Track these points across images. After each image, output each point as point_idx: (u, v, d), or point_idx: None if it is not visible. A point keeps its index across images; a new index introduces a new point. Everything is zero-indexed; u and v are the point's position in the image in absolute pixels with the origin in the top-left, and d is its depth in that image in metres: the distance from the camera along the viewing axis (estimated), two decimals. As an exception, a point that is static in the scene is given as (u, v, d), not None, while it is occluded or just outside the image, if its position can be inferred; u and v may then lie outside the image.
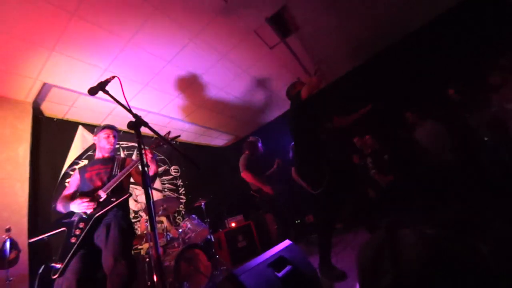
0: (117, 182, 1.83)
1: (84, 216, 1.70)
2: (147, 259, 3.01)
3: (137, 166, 1.95)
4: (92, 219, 1.69)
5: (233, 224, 4.34)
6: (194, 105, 4.32)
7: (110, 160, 2.04)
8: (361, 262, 0.60)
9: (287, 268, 1.19)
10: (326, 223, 2.10)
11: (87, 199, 1.69)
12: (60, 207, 1.80)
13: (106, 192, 1.78)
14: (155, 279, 2.85)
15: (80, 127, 3.89)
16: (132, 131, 1.49)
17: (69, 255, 1.53)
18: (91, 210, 1.70)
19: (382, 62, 4.16)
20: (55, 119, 3.69)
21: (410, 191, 3.23)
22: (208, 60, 3.43)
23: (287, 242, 1.40)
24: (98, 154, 2.08)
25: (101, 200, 1.75)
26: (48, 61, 2.77)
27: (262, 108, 5.09)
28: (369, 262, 0.57)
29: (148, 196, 0.96)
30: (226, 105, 4.61)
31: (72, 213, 1.75)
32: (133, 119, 1.14)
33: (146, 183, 1.03)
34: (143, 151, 1.75)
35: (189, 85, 3.81)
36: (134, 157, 4.32)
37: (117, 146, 4.27)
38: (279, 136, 4.80)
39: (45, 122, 3.57)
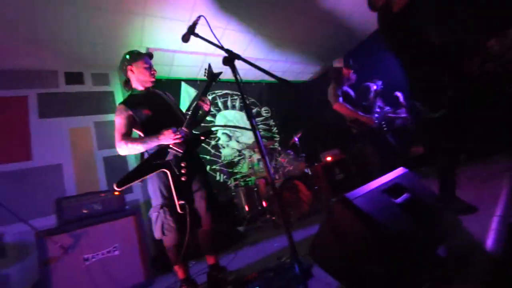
0: (194, 118, 1.70)
1: (179, 155, 1.57)
2: (255, 189, 3.48)
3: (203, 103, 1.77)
4: (189, 157, 1.60)
5: (328, 158, 4.31)
6: (273, 39, 4.07)
7: (156, 94, 1.83)
8: None
9: (405, 195, 1.07)
10: (449, 154, 1.74)
11: (176, 132, 1.54)
12: (132, 148, 1.55)
13: (189, 130, 1.64)
14: (264, 204, 3.32)
15: (183, 83, 4.44)
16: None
17: (186, 193, 1.55)
18: (183, 146, 1.57)
19: None
20: (162, 79, 4.31)
21: None
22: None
23: (402, 170, 1.25)
24: (139, 87, 1.76)
25: (189, 137, 1.63)
26: (145, 26, 3.10)
27: (349, 27, 4.28)
28: None
29: (254, 129, 1.00)
30: (307, 32, 4.12)
31: (159, 155, 1.56)
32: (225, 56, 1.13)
33: (251, 119, 1.06)
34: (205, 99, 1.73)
35: (265, 17, 3.54)
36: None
37: (213, 95, 4.74)
38: (377, 56, 4.01)
39: (157, 82, 4.22)
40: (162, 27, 3.20)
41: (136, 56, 1.74)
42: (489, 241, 1.06)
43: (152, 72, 1.77)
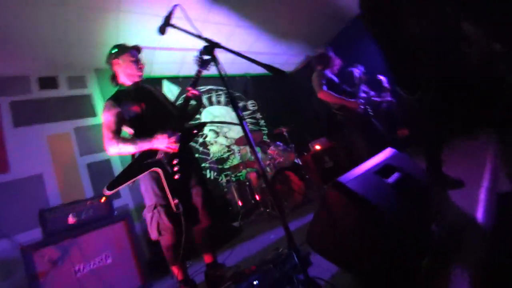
0: (185, 112, 1.64)
1: (170, 152, 1.50)
2: (247, 183, 3.45)
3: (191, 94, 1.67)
4: (181, 154, 1.52)
5: (317, 147, 4.34)
6: (257, 30, 4.01)
7: (145, 88, 1.74)
8: None
9: (396, 175, 1.08)
10: (433, 132, 1.78)
11: (171, 136, 1.47)
12: (123, 149, 1.48)
13: (180, 124, 1.57)
14: (257, 197, 3.31)
15: (165, 81, 4.31)
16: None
17: (180, 192, 1.48)
18: (177, 147, 1.49)
19: None
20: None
21: None
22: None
23: (391, 150, 1.26)
24: (126, 82, 1.68)
25: (180, 133, 1.54)
26: (119, 23, 2.96)
27: (329, 15, 4.27)
28: None
29: (240, 120, 0.97)
30: (289, 23, 4.09)
31: (149, 154, 1.48)
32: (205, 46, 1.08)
33: (238, 111, 1.02)
34: (191, 89, 1.62)
35: (246, 8, 3.47)
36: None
37: (202, 90, 4.63)
38: (359, 44, 4.04)
39: (137, 83, 4.09)
40: (139, 23, 3.07)
41: (122, 49, 1.68)
42: (479, 213, 1.09)
43: (139, 66, 1.70)
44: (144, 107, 1.58)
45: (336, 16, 4.37)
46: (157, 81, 4.25)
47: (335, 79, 2.93)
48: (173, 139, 1.47)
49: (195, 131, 1.65)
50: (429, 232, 1.05)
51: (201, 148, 4.24)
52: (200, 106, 1.86)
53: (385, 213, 0.90)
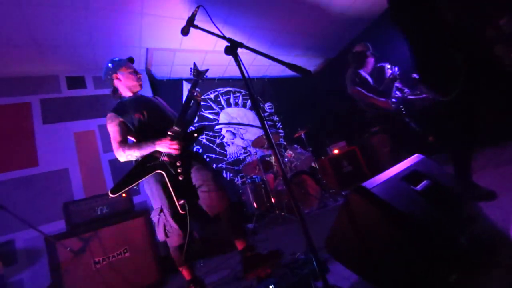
0: (185, 116, 1.66)
1: (173, 154, 1.55)
2: (263, 185, 3.43)
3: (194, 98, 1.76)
4: (184, 156, 1.58)
5: (335, 151, 4.25)
6: (275, 31, 4.00)
7: (145, 98, 1.81)
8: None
9: (425, 182, 1.01)
10: (463, 137, 1.67)
11: (173, 140, 1.52)
12: (130, 154, 1.54)
13: (181, 128, 1.59)
14: (273, 200, 3.27)
15: (184, 82, 4.40)
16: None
17: (186, 192, 1.52)
18: (179, 149, 1.53)
19: None
20: (164, 80, 4.28)
21: None
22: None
23: (418, 156, 1.19)
24: (127, 94, 1.75)
25: (181, 136, 1.58)
26: (143, 25, 3.06)
27: (350, 16, 4.17)
28: None
29: (262, 119, 0.95)
30: (307, 23, 4.04)
31: (152, 156, 1.54)
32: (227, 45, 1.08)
33: (260, 112, 1.01)
34: (195, 92, 1.70)
35: (267, 8, 3.47)
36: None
37: (215, 93, 4.70)
38: (383, 45, 3.87)
39: (158, 84, 4.20)
40: (161, 26, 3.16)
41: (118, 64, 1.74)
42: (517, 227, 1.00)
43: (138, 76, 1.77)
44: (146, 115, 1.64)
45: (357, 18, 4.26)
46: (177, 83, 4.35)
47: (369, 79, 2.86)
48: (174, 142, 1.52)
49: (195, 134, 1.72)
50: (459, 245, 0.98)
51: (218, 149, 4.28)
52: (197, 112, 1.91)
53: (412, 222, 0.84)
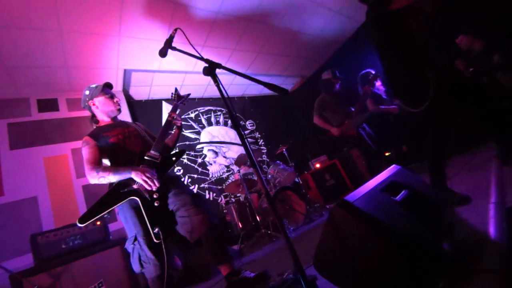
0: (163, 140, 1.67)
1: (148, 188, 1.47)
2: (247, 204, 3.37)
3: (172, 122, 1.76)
4: (161, 181, 1.51)
5: (317, 165, 4.32)
6: (253, 52, 4.14)
7: (123, 123, 1.80)
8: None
9: (404, 192, 1.05)
10: (437, 145, 1.77)
11: (151, 166, 1.50)
12: (102, 178, 1.47)
13: (158, 152, 1.58)
14: (258, 218, 3.21)
15: (164, 102, 4.36)
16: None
17: (162, 219, 1.45)
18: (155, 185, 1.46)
19: None
20: (143, 101, 4.21)
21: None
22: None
23: (395, 167, 1.23)
24: (105, 119, 1.74)
25: (158, 161, 1.55)
26: (120, 47, 3.04)
27: (325, 37, 4.43)
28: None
29: (242, 138, 0.95)
30: (283, 44, 4.23)
31: (126, 182, 1.47)
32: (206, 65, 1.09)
33: (240, 131, 1.02)
34: (174, 116, 1.73)
35: (244, 31, 3.60)
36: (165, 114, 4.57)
37: (196, 112, 4.68)
38: (360, 57, 4.05)
39: (137, 105, 4.12)
40: (139, 48, 3.15)
41: (95, 90, 1.74)
42: (491, 230, 1.05)
43: (115, 100, 1.77)
44: (122, 140, 1.63)
45: (331, 38, 4.54)
46: (156, 103, 4.30)
47: (339, 99, 3.21)
48: (152, 170, 1.48)
49: (174, 158, 1.69)
50: (443, 252, 1.00)
51: (200, 169, 4.19)
52: (179, 135, 1.89)
53: (395, 232, 0.85)
